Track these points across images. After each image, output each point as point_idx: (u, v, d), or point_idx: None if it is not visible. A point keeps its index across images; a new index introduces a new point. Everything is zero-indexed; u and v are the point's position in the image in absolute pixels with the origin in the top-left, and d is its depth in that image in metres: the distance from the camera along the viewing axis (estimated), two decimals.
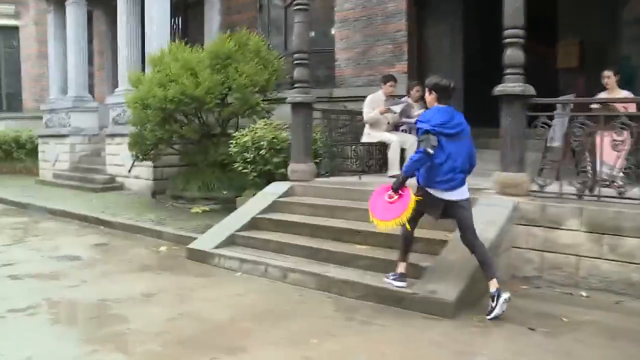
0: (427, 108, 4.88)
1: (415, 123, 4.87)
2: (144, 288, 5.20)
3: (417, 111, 7.91)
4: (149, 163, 10.46)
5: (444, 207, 4.55)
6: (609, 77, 6.75)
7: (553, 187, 5.54)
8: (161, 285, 5.33)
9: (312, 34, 11.31)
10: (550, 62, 9.44)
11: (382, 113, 7.86)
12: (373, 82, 10.08)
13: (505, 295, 4.29)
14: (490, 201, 5.45)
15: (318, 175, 7.44)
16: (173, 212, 8.82)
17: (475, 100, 9.94)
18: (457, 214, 4.56)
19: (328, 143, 7.71)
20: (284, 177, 7.57)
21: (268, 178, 7.79)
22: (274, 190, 6.99)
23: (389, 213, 4.49)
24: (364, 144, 7.90)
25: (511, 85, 5.52)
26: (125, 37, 11.87)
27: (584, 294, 4.94)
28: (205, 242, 6.17)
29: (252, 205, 6.72)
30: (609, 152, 5.87)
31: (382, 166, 8.23)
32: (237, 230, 6.24)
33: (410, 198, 4.45)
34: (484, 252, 4.48)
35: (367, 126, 7.87)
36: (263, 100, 9.05)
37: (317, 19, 11.47)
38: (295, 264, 5.36)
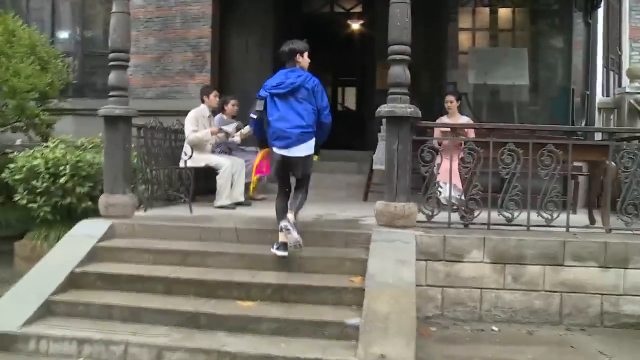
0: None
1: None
2: None
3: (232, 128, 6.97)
4: None
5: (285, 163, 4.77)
6: (451, 101, 6.76)
7: (440, 217, 5.16)
8: None
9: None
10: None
11: (214, 134, 6.66)
12: (168, 95, 8.78)
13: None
14: (390, 236, 4.81)
15: (139, 207, 5.87)
16: None
17: None
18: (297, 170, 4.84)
19: (145, 168, 6.18)
20: (89, 212, 5.80)
21: (65, 213, 5.89)
22: (89, 231, 5.21)
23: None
24: (186, 168, 6.55)
25: (401, 106, 5.01)
26: None
27: (495, 328, 4.64)
28: (3, 318, 4.16)
29: (64, 254, 4.86)
30: (457, 177, 5.85)
31: (208, 192, 6.96)
32: (53, 294, 4.36)
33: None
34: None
35: (188, 147, 6.56)
36: (43, 110, 6.93)
37: (96, 16, 9.57)
38: (170, 339, 3.87)
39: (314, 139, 4.78)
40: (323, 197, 7.78)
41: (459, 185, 6.19)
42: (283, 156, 4.73)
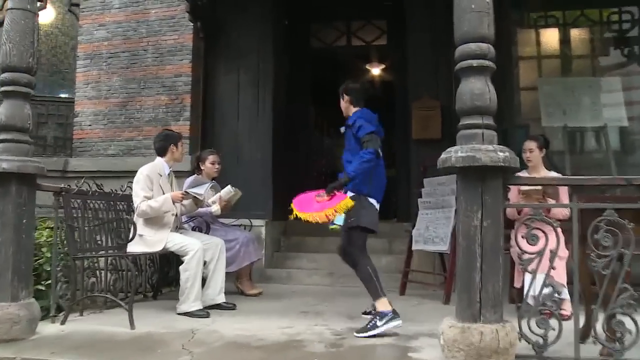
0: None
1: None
2: None
3: (204, 190, 4.72)
4: None
5: None
6: (531, 150, 4.52)
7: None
8: None
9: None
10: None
11: (179, 200, 4.45)
12: (135, 150, 6.62)
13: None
14: None
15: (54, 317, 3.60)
16: None
17: (290, 182, 7.15)
18: None
19: (64, 254, 3.96)
20: None
21: None
22: None
23: (311, 207, 3.69)
24: (131, 255, 4.30)
25: (486, 148, 2.82)
26: None
27: None
28: None
29: None
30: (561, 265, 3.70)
31: (161, 289, 4.69)
32: None
33: (345, 198, 3.63)
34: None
35: (139, 223, 4.34)
36: None
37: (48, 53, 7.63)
38: None
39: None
40: (342, 290, 5.51)
41: (561, 279, 3.92)
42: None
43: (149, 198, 4.35)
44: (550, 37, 6.55)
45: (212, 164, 5.31)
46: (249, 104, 6.75)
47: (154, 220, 4.36)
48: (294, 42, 7.59)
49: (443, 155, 2.93)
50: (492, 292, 2.77)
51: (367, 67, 10.28)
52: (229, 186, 5.00)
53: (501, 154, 2.78)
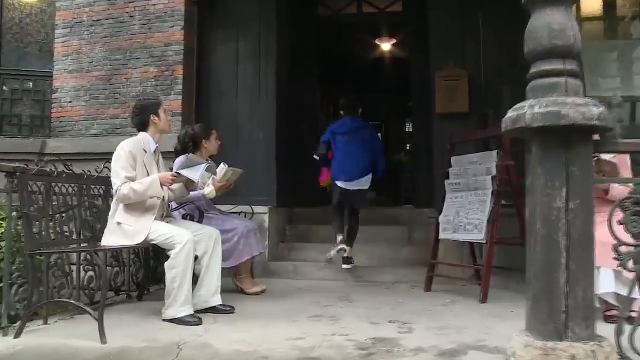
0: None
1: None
2: None
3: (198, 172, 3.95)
4: None
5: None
6: None
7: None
8: None
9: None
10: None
11: (168, 183, 3.70)
12: (121, 128, 5.89)
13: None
14: None
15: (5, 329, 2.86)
16: None
17: (296, 165, 6.41)
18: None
19: (23, 249, 3.21)
20: None
21: None
22: None
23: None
24: (109, 249, 3.54)
25: (573, 101, 2.02)
26: None
27: None
28: None
29: None
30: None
31: (148, 287, 3.95)
32: None
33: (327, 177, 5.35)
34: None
35: (119, 209, 3.58)
36: None
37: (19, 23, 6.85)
38: None
39: None
40: (357, 287, 4.82)
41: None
42: None
43: (132, 179, 3.59)
44: None
45: (216, 140, 4.58)
46: (249, 78, 5.96)
47: (135, 205, 3.59)
48: (300, 9, 6.79)
49: (512, 113, 2.14)
50: (583, 299, 2.01)
51: (377, 42, 9.46)
52: (222, 164, 4.23)
53: (595, 109, 2.00)
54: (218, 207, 4.69)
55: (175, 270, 3.46)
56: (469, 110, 5.36)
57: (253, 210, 5.19)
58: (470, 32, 5.46)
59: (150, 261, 4.51)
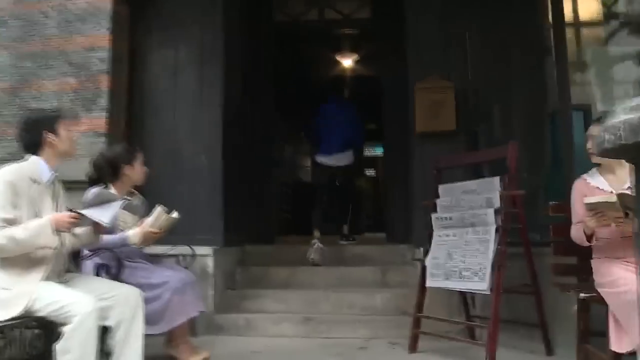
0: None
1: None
2: None
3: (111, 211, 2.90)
4: None
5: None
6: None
7: None
8: None
9: None
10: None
11: (66, 228, 2.65)
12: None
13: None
14: None
15: None
16: None
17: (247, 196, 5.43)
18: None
19: None
20: None
21: None
22: None
23: None
24: None
25: None
26: None
27: None
28: None
29: None
30: None
31: None
32: None
33: None
34: None
35: None
36: None
37: None
38: None
39: None
40: (324, 345, 3.85)
41: None
42: None
43: (11, 222, 2.53)
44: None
45: (142, 165, 3.55)
46: (190, 85, 4.96)
47: (16, 260, 2.53)
48: (251, 12, 5.84)
49: (627, 116, 1.24)
50: None
51: (338, 57, 8.61)
52: (159, 207, 3.22)
53: None
54: (146, 250, 3.64)
55: (70, 356, 2.39)
56: (456, 127, 4.49)
57: (194, 251, 4.12)
58: (457, 36, 4.62)
59: (53, 331, 3.39)
